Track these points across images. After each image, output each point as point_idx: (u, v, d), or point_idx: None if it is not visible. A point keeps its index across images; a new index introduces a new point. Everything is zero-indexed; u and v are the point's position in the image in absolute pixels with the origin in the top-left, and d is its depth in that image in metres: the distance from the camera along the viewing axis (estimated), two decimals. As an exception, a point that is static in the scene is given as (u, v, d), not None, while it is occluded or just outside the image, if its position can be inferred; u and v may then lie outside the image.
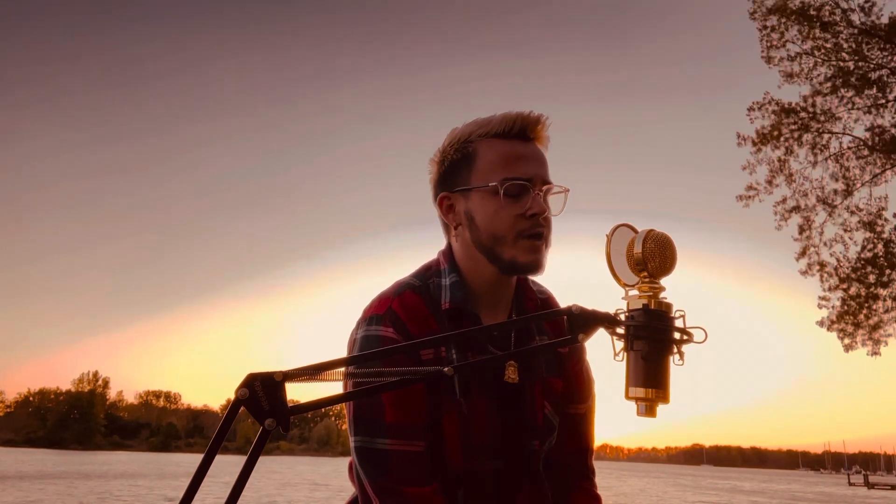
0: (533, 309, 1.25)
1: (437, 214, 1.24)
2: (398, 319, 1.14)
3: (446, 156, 1.20)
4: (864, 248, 13.10)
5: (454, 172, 1.19)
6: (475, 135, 1.17)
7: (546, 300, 1.31)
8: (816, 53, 13.23)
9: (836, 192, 13.53)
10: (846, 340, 13.25)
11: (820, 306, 13.45)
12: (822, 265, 13.33)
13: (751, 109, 13.79)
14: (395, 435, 1.08)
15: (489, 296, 1.21)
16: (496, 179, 1.12)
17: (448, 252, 1.23)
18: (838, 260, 13.27)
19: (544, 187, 1.14)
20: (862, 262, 13.01)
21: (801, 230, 13.64)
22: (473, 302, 1.20)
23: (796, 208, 13.69)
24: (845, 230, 13.32)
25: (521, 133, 1.16)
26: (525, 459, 1.19)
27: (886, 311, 13.02)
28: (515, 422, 1.18)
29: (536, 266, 1.13)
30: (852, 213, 13.35)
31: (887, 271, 12.81)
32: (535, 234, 1.12)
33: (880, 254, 12.91)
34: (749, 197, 13.94)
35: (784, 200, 13.77)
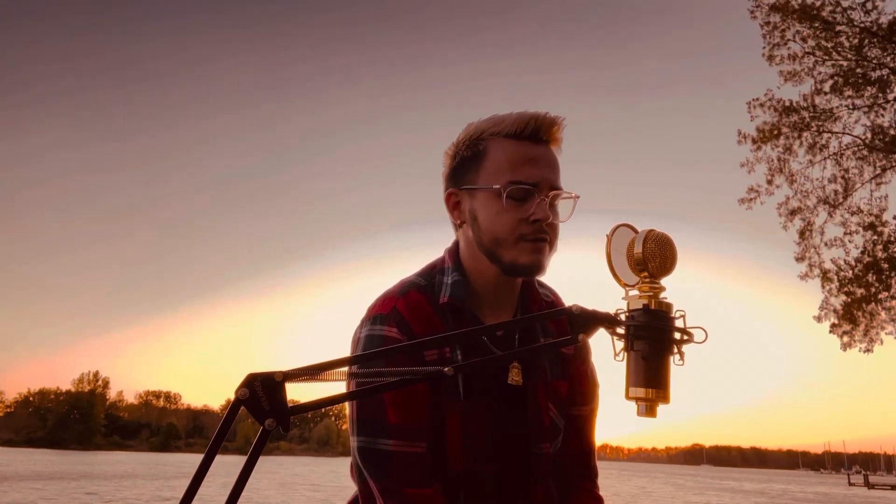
0: (537, 311, 1.24)
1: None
2: (402, 319, 1.13)
3: (458, 151, 1.19)
4: (864, 251, 13.09)
5: (463, 169, 1.18)
6: (487, 133, 1.15)
7: (551, 302, 1.30)
8: (817, 53, 13.22)
9: (835, 192, 13.53)
10: (844, 339, 13.26)
11: (822, 308, 13.45)
12: (823, 272, 13.33)
13: (751, 106, 13.76)
14: (397, 436, 1.07)
15: (492, 296, 1.20)
16: (502, 181, 1.11)
17: (454, 250, 1.22)
18: (839, 266, 13.26)
19: (551, 193, 1.12)
20: (862, 265, 13.00)
21: (802, 234, 13.63)
22: (476, 302, 1.19)
23: (798, 210, 13.68)
24: (845, 233, 13.31)
25: (533, 135, 1.13)
26: (527, 462, 1.19)
27: (886, 311, 13.02)
28: (519, 424, 1.18)
29: (537, 267, 1.12)
30: (853, 213, 13.34)
31: (888, 273, 12.80)
32: (536, 238, 1.11)
33: (881, 256, 12.90)
34: (751, 199, 13.92)
35: (787, 201, 13.76)
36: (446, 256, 1.23)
